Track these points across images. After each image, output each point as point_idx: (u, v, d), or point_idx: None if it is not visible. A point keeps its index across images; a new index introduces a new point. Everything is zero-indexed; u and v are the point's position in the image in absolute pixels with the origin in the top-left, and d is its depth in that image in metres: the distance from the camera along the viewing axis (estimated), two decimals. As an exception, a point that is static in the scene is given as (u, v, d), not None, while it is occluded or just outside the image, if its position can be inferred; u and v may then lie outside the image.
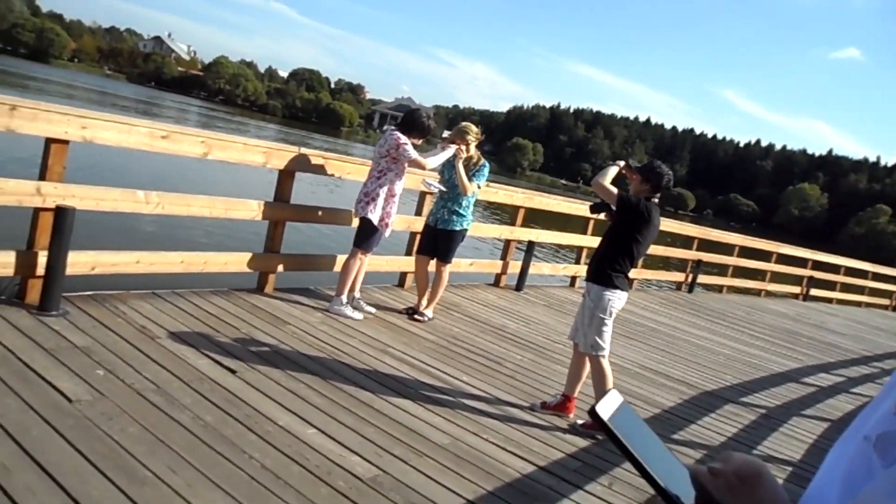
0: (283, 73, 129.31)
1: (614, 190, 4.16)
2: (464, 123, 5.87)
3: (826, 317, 13.65)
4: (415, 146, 5.35)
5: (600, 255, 4.25)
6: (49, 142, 3.98)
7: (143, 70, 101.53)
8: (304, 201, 5.71)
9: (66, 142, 4.02)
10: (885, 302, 19.00)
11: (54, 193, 3.98)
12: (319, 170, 5.58)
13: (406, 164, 5.30)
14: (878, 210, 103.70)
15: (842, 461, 0.57)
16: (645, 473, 0.54)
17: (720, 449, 4.44)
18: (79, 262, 4.15)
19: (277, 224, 5.44)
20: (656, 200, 4.21)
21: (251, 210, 5.18)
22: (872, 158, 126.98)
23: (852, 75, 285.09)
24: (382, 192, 5.28)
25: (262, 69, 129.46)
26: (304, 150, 5.47)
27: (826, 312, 14.43)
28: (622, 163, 4.33)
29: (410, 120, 5.40)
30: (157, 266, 4.67)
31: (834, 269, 17.27)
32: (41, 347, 3.44)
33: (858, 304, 17.80)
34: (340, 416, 3.51)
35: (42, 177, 3.98)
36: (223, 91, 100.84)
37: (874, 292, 18.52)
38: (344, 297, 5.36)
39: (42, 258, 3.96)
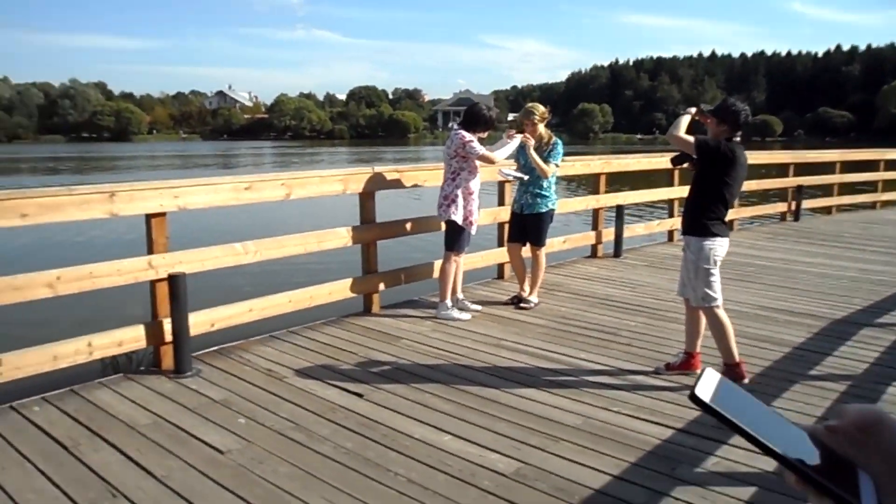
0: (342, 96, 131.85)
1: (691, 139, 4.04)
2: (530, 104, 5.86)
3: (952, 214, 12.76)
4: (481, 140, 5.38)
5: (692, 206, 4.15)
6: (149, 217, 4.25)
7: (214, 126, 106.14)
8: (391, 216, 5.85)
9: (163, 214, 4.28)
10: None
11: (164, 263, 4.24)
12: (396, 184, 5.70)
13: (476, 161, 5.33)
14: None
15: None
16: (763, 447, 0.54)
17: (864, 378, 4.26)
18: (199, 321, 4.41)
19: (369, 245, 5.59)
20: (738, 139, 4.08)
21: (342, 237, 5.35)
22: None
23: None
24: (461, 192, 5.33)
25: (321, 97, 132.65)
26: (377, 169, 5.60)
27: (951, 209, 13.49)
28: (693, 109, 4.21)
29: (472, 115, 5.43)
30: (268, 310, 4.89)
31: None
32: (185, 408, 3.68)
33: None
34: (471, 418, 3.58)
35: (150, 250, 4.26)
36: (290, 127, 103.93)
37: None
38: (448, 301, 5.45)
39: (167, 325, 4.24)
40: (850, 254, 8.53)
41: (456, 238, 5.41)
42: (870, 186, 13.81)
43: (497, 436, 3.36)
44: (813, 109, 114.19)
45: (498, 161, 5.41)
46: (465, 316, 5.44)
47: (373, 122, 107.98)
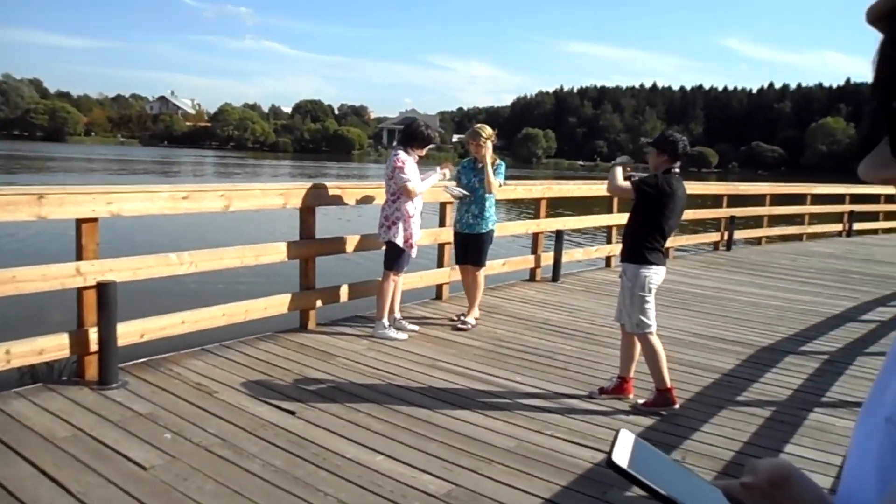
0: (287, 109, 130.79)
1: (629, 185, 4.23)
2: (477, 125, 5.92)
3: (874, 249, 13.38)
4: (420, 158, 5.42)
5: (630, 234, 4.25)
6: (79, 222, 4.10)
7: (154, 131, 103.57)
8: (331, 232, 5.80)
9: (95, 219, 4.14)
10: (931, 223, 18.50)
11: (93, 271, 4.09)
12: (338, 200, 5.66)
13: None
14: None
15: (870, 443, 0.55)
16: None
17: (788, 404, 4.40)
18: (128, 332, 4.27)
19: (308, 261, 5.52)
20: (677, 170, 4.21)
21: (280, 252, 5.27)
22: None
23: None
24: (401, 214, 5.33)
25: (266, 109, 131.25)
26: (319, 184, 5.55)
27: (873, 244, 14.15)
28: (622, 159, 4.47)
29: (409, 133, 5.47)
30: (201, 323, 4.77)
31: (873, 199, 16.89)
32: (108, 421, 3.54)
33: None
34: (404, 438, 3.55)
35: (79, 256, 4.11)
36: (232, 137, 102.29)
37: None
38: (385, 321, 5.41)
39: (93, 334, 4.08)
40: (778, 283, 8.83)
41: (395, 258, 5.40)
42: (798, 219, 14.36)
43: (429, 457, 3.34)
44: (747, 143, 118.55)
45: (417, 193, 5.34)
46: (402, 336, 5.41)
47: (317, 136, 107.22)
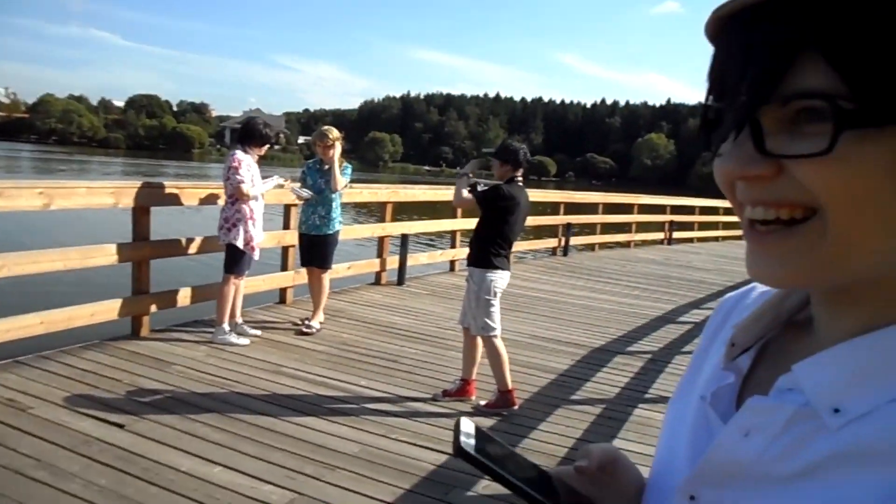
0: (120, 103, 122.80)
1: (472, 198, 4.39)
2: (325, 127, 5.85)
3: (691, 256, 14.57)
4: (266, 159, 5.29)
5: (477, 239, 4.36)
6: None
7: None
8: (169, 234, 5.49)
9: None
10: (739, 232, 20.41)
11: None
12: (175, 200, 5.37)
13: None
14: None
15: (682, 424, 0.59)
16: (521, 492, 0.58)
17: (617, 401, 4.68)
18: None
19: (141, 263, 5.19)
20: (520, 179, 4.37)
21: (110, 254, 4.91)
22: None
23: (675, 26, 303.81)
24: (241, 216, 5.16)
25: (94, 102, 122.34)
26: (154, 183, 5.25)
27: (690, 252, 15.41)
28: (470, 166, 4.61)
29: (247, 131, 5.32)
30: (14, 332, 4.32)
31: (690, 210, 18.46)
32: None
33: (716, 238, 19.10)
34: (244, 448, 3.41)
35: None
36: (55, 131, 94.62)
37: (728, 225, 19.90)
38: (226, 325, 5.20)
39: None
40: (609, 287, 9.40)
41: (236, 261, 5.21)
42: (626, 227, 15.38)
43: (271, 466, 3.24)
44: (582, 154, 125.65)
45: (249, 196, 5.14)
46: (244, 341, 5.22)
47: (153, 133, 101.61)
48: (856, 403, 0.44)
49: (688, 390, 0.63)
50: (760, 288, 0.63)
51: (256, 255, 5.34)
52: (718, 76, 0.48)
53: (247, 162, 5.18)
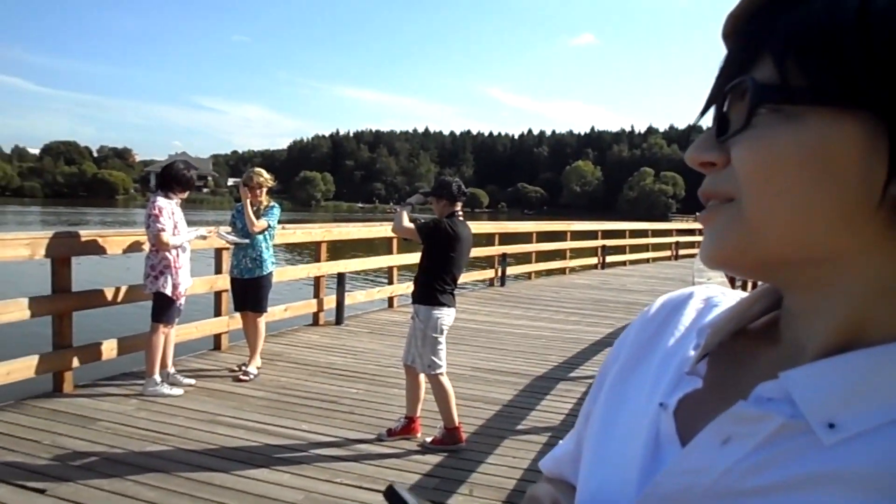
0: (35, 151, 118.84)
1: (413, 227, 4.36)
2: (254, 169, 5.75)
3: (624, 279, 14.85)
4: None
5: (421, 277, 4.31)
6: None
7: None
8: (93, 284, 5.26)
9: None
10: (668, 253, 21.05)
11: None
12: (98, 249, 5.17)
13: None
14: (643, 173, 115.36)
15: (623, 430, 0.56)
16: None
17: (561, 428, 4.66)
18: None
19: (62, 316, 4.94)
20: (460, 212, 4.37)
21: (24, 309, 4.64)
22: (627, 128, 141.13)
23: (593, 57, 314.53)
24: (168, 262, 5.00)
25: (7, 150, 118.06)
26: (73, 232, 5.04)
27: (623, 275, 15.71)
28: (413, 199, 4.63)
29: (168, 176, 5.19)
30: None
31: (620, 234, 18.91)
32: None
33: (647, 260, 19.57)
34: (180, 506, 3.24)
35: None
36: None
37: (657, 247, 20.49)
38: (157, 376, 4.99)
39: None
40: (546, 315, 9.46)
41: (164, 309, 5.02)
42: (560, 255, 15.61)
43: (210, 523, 3.07)
44: (513, 184, 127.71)
45: (170, 246, 4.99)
46: (177, 391, 5.01)
47: (73, 180, 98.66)
48: (853, 420, 0.42)
49: (621, 387, 0.60)
50: (703, 292, 0.62)
51: (181, 303, 5.17)
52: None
53: (168, 208, 5.03)
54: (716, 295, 0.61)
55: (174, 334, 5.27)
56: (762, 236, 0.44)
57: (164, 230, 4.93)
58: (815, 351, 0.45)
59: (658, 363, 0.58)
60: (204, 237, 5.52)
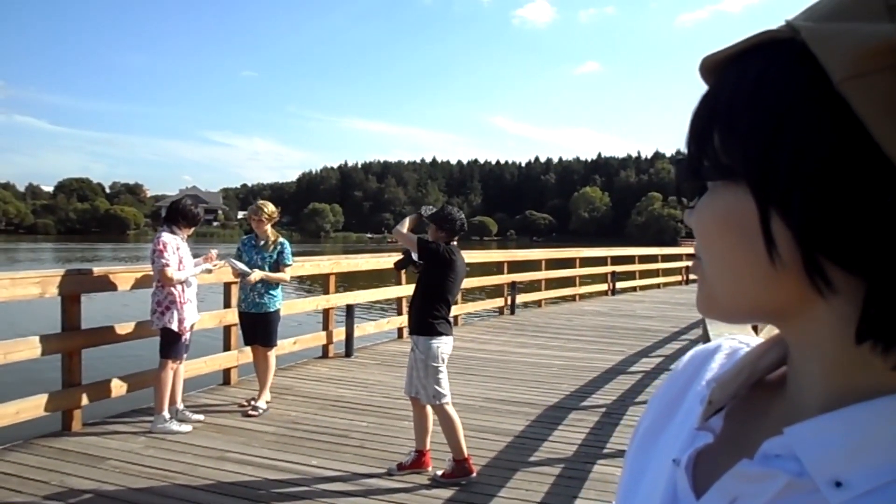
0: (49, 188, 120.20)
1: (414, 238, 4.33)
2: (260, 202, 5.79)
3: (634, 305, 14.76)
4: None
5: (418, 307, 4.29)
6: None
7: None
8: (102, 321, 5.27)
9: None
10: (679, 278, 20.93)
11: None
12: (108, 286, 5.20)
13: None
14: (651, 198, 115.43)
15: (646, 485, 0.57)
16: None
17: (575, 459, 4.59)
18: None
19: (72, 354, 4.95)
20: (455, 243, 4.37)
21: (34, 347, 4.65)
22: (634, 154, 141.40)
23: (598, 84, 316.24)
24: (174, 298, 5.01)
25: (21, 188, 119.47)
26: (84, 269, 5.06)
27: (634, 301, 15.62)
28: (418, 212, 4.55)
29: (175, 212, 5.21)
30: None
31: (629, 259, 18.83)
32: None
33: (657, 285, 19.45)
34: (188, 546, 3.20)
35: None
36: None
37: (667, 272, 20.37)
38: (166, 413, 4.96)
39: None
40: (557, 343, 9.39)
41: (172, 345, 5.02)
42: (570, 282, 15.54)
43: (218, 563, 3.03)
44: (521, 212, 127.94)
45: (174, 281, 4.98)
46: (185, 428, 4.98)
47: (86, 216, 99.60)
48: (861, 478, 0.40)
49: (651, 443, 0.59)
50: (728, 343, 0.61)
51: (186, 338, 5.15)
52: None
53: (173, 244, 5.03)
54: (741, 346, 0.60)
55: (183, 370, 5.25)
56: (717, 291, 0.47)
57: (168, 265, 4.94)
58: (815, 403, 0.44)
59: (681, 419, 0.58)
60: (210, 271, 5.53)
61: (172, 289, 5.00)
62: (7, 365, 4.67)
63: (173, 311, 5.00)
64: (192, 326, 5.18)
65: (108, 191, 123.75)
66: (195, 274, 5.25)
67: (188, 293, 5.11)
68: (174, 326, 4.99)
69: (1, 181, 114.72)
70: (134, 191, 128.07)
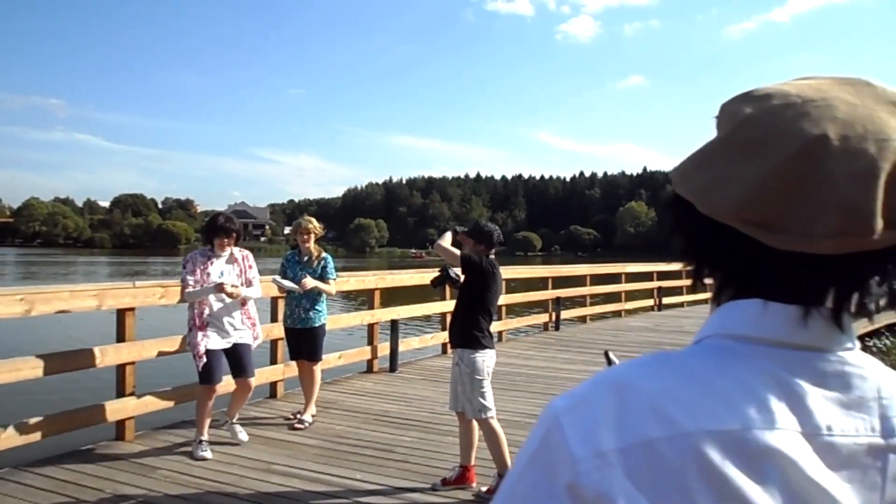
0: (105, 203, 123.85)
1: (457, 252, 4.34)
2: (305, 218, 5.86)
3: (681, 320, 14.50)
4: (252, 251, 5.24)
5: (460, 320, 4.31)
6: None
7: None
8: (156, 333, 5.40)
9: None
10: (727, 294, 20.45)
11: None
12: (160, 298, 5.31)
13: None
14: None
15: None
16: None
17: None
18: None
19: (125, 366, 5.08)
20: (493, 256, 4.39)
21: (91, 359, 4.80)
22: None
23: (643, 98, 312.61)
24: (191, 317, 4.84)
25: (80, 203, 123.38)
26: (138, 283, 5.20)
27: (680, 316, 15.34)
28: (454, 228, 4.57)
29: (207, 227, 5.10)
30: (-6, 445, 4.18)
31: (676, 275, 18.49)
32: None
33: (705, 301, 19.04)
34: (235, 556, 3.25)
35: None
36: (40, 233, 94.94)
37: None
38: (204, 435, 4.81)
39: None
40: (602, 359, 9.23)
41: (197, 369, 4.82)
42: (615, 297, 15.36)
43: (264, 574, 3.07)
44: (566, 227, 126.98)
45: (186, 299, 4.86)
46: (245, 437, 5.05)
47: (139, 231, 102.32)
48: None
49: None
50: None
51: (201, 364, 4.79)
52: None
53: (200, 260, 4.87)
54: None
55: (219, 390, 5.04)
56: None
57: (183, 282, 4.85)
58: None
59: None
60: (221, 288, 4.81)
61: (192, 308, 4.86)
62: (61, 376, 4.83)
63: (194, 332, 4.82)
64: (207, 348, 4.80)
65: (160, 206, 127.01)
66: (207, 294, 4.82)
67: (216, 314, 4.87)
68: (190, 349, 4.88)
69: (61, 197, 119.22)
70: (185, 206, 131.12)
